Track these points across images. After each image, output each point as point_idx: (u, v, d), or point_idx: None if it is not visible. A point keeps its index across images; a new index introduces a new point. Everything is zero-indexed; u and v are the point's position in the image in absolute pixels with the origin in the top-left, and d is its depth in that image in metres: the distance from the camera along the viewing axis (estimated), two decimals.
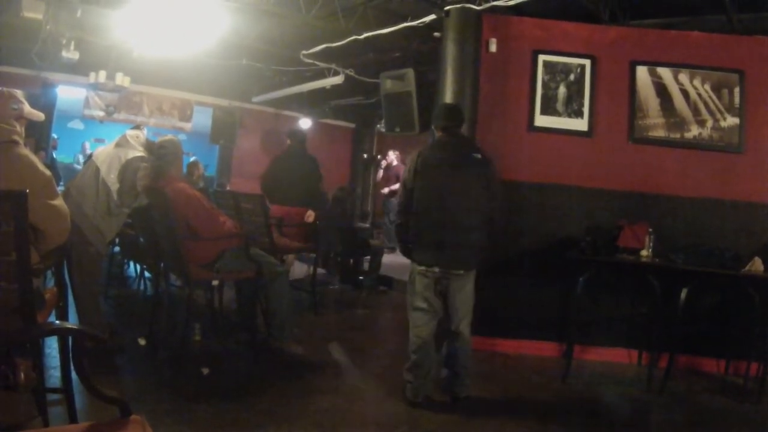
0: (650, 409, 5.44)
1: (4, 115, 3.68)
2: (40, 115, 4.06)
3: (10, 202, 2.88)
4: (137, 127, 6.23)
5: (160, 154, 5.69)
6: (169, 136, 6.01)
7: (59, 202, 3.67)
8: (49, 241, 3.60)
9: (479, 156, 5.00)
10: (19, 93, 3.90)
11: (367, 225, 13.20)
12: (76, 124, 18.60)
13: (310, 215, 8.12)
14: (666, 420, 5.21)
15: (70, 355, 2.95)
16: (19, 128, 3.73)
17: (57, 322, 3.37)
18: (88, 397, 3.49)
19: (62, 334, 3.33)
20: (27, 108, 3.89)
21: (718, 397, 5.84)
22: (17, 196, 2.88)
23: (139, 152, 5.73)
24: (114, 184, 5.57)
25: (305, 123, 16.17)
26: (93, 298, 5.67)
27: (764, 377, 5.76)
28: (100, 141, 17.97)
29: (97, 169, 5.63)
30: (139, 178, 5.57)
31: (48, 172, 3.67)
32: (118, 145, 5.84)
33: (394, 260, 11.33)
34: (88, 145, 18.29)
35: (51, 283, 4.78)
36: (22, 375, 3.19)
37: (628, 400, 5.61)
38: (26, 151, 3.65)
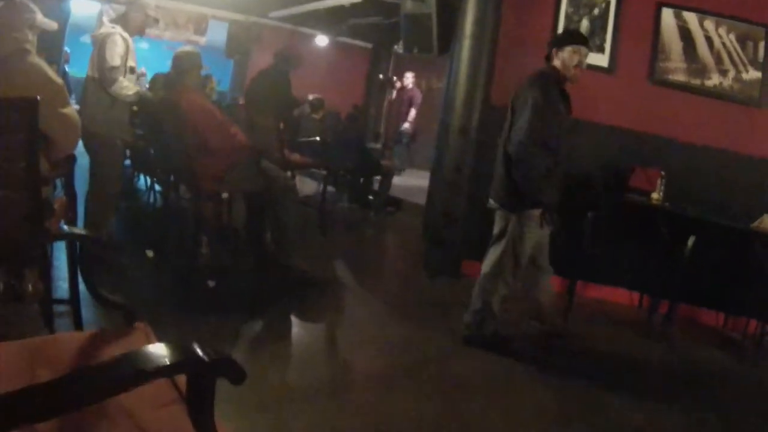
0: (647, 358, 5.41)
1: (17, 24, 3.66)
2: (52, 24, 4.03)
3: (22, 109, 2.86)
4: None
5: (176, 65, 5.66)
6: (187, 48, 5.99)
7: (70, 110, 3.65)
8: (59, 150, 3.60)
9: None
10: (30, 2, 3.86)
11: (379, 146, 13.14)
12: (88, 39, 18.41)
13: None
14: (663, 373, 5.17)
15: (77, 261, 2.95)
16: (32, 37, 3.71)
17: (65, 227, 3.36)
18: (95, 308, 3.50)
19: (69, 238, 3.32)
20: (40, 17, 3.86)
21: (716, 352, 5.86)
22: (28, 104, 2.86)
23: (108, 29, 5.70)
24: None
25: (322, 41, 16.00)
26: (107, 202, 5.72)
27: (762, 336, 5.79)
28: None
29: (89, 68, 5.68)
30: (108, 54, 5.53)
31: (60, 81, 3.66)
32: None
33: (403, 182, 11.34)
34: None
35: (60, 193, 4.80)
36: (30, 286, 3.22)
37: (627, 344, 5.62)
38: (38, 60, 3.64)
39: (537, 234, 4.66)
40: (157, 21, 6.37)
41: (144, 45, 15.45)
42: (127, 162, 8.38)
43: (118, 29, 5.68)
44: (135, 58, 5.81)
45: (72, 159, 4.30)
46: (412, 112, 13.32)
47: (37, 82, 3.45)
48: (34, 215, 3.03)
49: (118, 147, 5.79)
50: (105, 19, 5.98)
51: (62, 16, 13.39)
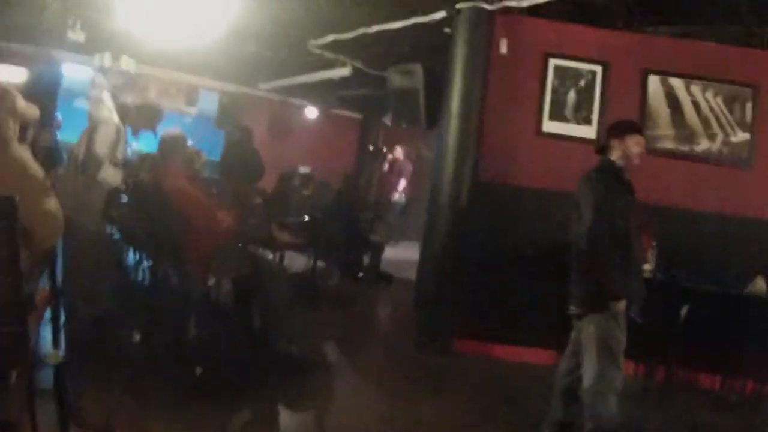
0: (649, 425, 5.38)
1: None
2: (35, 111, 3.98)
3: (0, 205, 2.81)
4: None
5: (161, 147, 5.65)
6: (172, 130, 5.94)
7: (52, 204, 3.59)
8: (41, 243, 3.52)
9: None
10: (12, 88, 3.81)
11: (370, 215, 13.13)
12: (82, 103, 18.45)
13: None
14: None
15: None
16: (12, 125, 3.64)
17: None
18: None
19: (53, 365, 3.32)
20: (21, 103, 3.79)
21: (715, 416, 5.79)
22: (6, 201, 2.81)
23: (103, 114, 5.67)
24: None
25: (311, 112, 16.08)
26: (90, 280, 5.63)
27: (759, 397, 5.74)
28: None
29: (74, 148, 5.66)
30: (98, 144, 5.49)
31: (41, 173, 3.60)
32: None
33: (395, 255, 11.31)
34: None
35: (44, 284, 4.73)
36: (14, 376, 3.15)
37: (626, 415, 5.51)
38: (20, 151, 3.57)
39: (623, 328, 4.45)
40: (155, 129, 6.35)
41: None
42: (117, 236, 8.33)
43: (115, 116, 5.66)
44: (125, 150, 5.79)
45: (54, 252, 4.23)
46: (402, 182, 13.36)
47: (17, 176, 3.39)
48: (13, 312, 2.96)
49: (82, 233, 5.69)
50: (106, 96, 5.95)
51: (54, 82, 13.49)
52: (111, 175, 5.53)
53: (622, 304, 4.32)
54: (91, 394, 3.72)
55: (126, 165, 5.96)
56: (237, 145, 8.72)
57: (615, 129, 4.74)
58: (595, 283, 4.38)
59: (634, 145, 4.57)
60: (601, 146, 4.76)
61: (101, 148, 5.47)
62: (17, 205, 2.79)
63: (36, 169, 3.56)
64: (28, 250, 3.37)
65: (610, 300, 4.32)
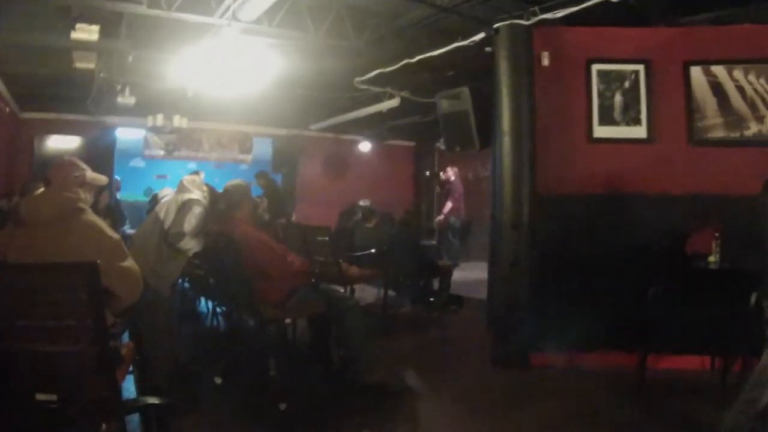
0: None
1: (68, 183, 3.79)
2: (102, 179, 4.16)
3: (82, 270, 2.97)
4: (195, 172, 6.34)
5: (226, 198, 5.80)
6: (236, 181, 6.10)
7: (130, 263, 3.75)
8: (123, 302, 3.68)
9: None
10: (80, 161, 4.02)
11: (434, 242, 13.18)
12: (138, 162, 18.89)
13: None
14: None
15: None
16: (83, 195, 3.83)
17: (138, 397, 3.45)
18: None
19: (142, 410, 3.45)
20: (89, 174, 4.00)
21: None
22: (88, 266, 2.96)
23: (195, 195, 5.83)
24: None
25: (365, 146, 16.23)
26: (164, 342, 5.75)
27: None
28: (162, 177, 18.31)
29: (157, 216, 5.77)
30: (187, 220, 5.65)
31: (116, 236, 3.76)
32: (178, 191, 5.97)
33: (463, 276, 11.33)
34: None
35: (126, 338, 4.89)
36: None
37: (705, 412, 5.44)
38: (93, 217, 3.74)
39: None
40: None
41: (192, 166, 15.84)
42: (187, 285, 8.51)
43: (204, 202, 5.81)
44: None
45: (135, 306, 4.39)
46: (448, 205, 13.39)
47: (94, 240, 3.55)
48: (104, 367, 3.11)
49: (166, 295, 5.85)
50: (200, 178, 6.15)
51: (109, 144, 13.91)
52: (191, 243, 5.68)
53: None
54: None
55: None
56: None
57: None
58: None
59: None
60: None
61: (189, 227, 5.61)
62: (99, 270, 2.95)
63: (111, 232, 3.72)
64: (110, 308, 3.53)
65: None
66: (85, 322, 3.00)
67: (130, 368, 4.09)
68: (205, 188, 6.01)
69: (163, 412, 2.89)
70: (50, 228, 3.49)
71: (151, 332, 5.51)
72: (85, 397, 3.10)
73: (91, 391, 3.10)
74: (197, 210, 5.69)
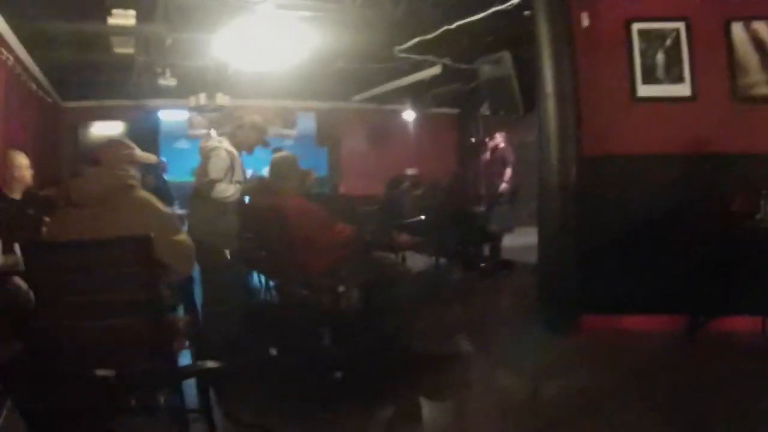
0: None
1: (118, 162, 3.87)
2: (151, 157, 4.27)
3: (136, 244, 3.04)
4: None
5: (274, 171, 5.88)
6: (283, 153, 6.20)
7: (183, 237, 3.83)
8: (177, 275, 3.76)
9: None
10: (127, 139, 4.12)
11: (482, 208, 13.15)
12: (182, 144, 18.99)
13: None
14: None
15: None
16: (133, 172, 3.91)
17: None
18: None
19: (199, 375, 3.52)
20: (138, 152, 4.10)
21: None
22: (142, 239, 3.03)
23: (214, 143, 5.98)
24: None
25: (408, 115, 16.19)
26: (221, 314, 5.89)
27: None
28: None
29: None
30: (211, 168, 5.88)
31: (168, 210, 3.84)
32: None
33: (513, 242, 11.32)
34: None
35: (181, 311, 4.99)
36: (162, 402, 3.40)
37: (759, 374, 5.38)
38: (144, 193, 3.83)
39: None
40: (266, 143, 6.68)
41: None
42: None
43: (225, 144, 5.96)
44: (243, 173, 6.07)
45: (190, 280, 4.48)
46: (508, 172, 13.30)
47: (147, 215, 3.63)
48: (160, 340, 3.19)
49: (226, 256, 6.00)
50: (213, 132, 6.31)
51: (153, 127, 14.05)
52: (224, 190, 5.82)
53: None
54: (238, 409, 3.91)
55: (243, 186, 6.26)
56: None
57: None
58: None
59: None
60: None
61: (215, 173, 5.77)
62: (153, 242, 3.02)
63: (162, 206, 3.80)
64: (165, 281, 3.61)
65: None
66: (141, 296, 3.08)
67: (186, 343, 4.17)
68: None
69: (219, 378, 2.93)
70: (102, 206, 3.57)
71: (211, 300, 5.66)
72: (142, 371, 3.18)
73: (148, 364, 3.19)
74: (219, 154, 5.83)
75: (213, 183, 5.83)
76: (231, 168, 5.95)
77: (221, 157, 5.89)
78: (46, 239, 3.84)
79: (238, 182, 6.08)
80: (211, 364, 3.27)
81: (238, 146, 6.23)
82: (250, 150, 6.33)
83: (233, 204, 6.09)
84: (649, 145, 6.54)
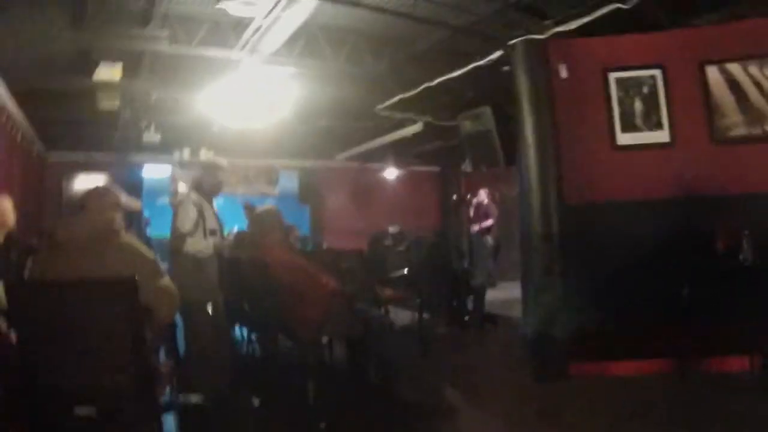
0: None
1: (103, 207, 3.89)
2: (136, 204, 4.30)
3: (121, 286, 3.04)
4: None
5: (257, 224, 5.89)
6: (267, 206, 6.23)
7: (166, 281, 3.83)
8: (161, 320, 3.75)
9: None
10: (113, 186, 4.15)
11: (466, 265, 13.19)
12: (165, 200, 18.95)
13: None
14: None
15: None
16: (118, 218, 3.93)
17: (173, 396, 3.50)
18: None
19: (183, 408, 3.49)
20: (124, 198, 4.12)
21: None
22: (127, 281, 3.04)
23: (182, 197, 6.00)
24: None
25: (390, 173, 16.30)
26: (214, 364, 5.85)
27: None
28: None
29: None
30: (179, 222, 5.87)
31: (152, 255, 3.85)
32: None
33: (496, 296, 11.32)
34: None
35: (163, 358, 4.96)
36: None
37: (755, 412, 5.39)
38: (129, 238, 3.85)
39: None
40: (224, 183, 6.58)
41: (220, 201, 15.91)
42: None
43: (192, 195, 5.96)
44: (216, 221, 6.05)
45: (173, 325, 4.47)
46: (489, 223, 13.40)
47: (131, 260, 3.64)
48: (143, 381, 3.17)
49: (208, 310, 5.97)
50: (181, 185, 6.31)
51: (137, 182, 14.08)
52: (196, 244, 5.78)
53: None
54: None
55: (222, 238, 6.23)
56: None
57: None
58: None
59: None
60: None
61: (183, 225, 5.76)
62: (137, 284, 3.03)
63: (146, 251, 3.81)
64: (149, 326, 3.61)
65: None
66: (125, 338, 3.08)
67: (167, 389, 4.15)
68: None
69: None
70: (87, 250, 3.58)
71: (196, 348, 5.61)
72: (123, 412, 3.16)
73: (130, 406, 3.17)
74: (185, 207, 5.82)
75: (183, 237, 5.81)
76: (201, 218, 5.91)
77: (188, 210, 5.88)
78: (31, 280, 3.84)
79: (213, 232, 6.05)
80: (194, 398, 3.25)
81: (206, 193, 6.21)
82: (216, 192, 6.29)
83: (210, 257, 6.05)
84: (630, 192, 6.59)
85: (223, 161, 6.48)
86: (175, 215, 5.95)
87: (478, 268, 12.16)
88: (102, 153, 13.69)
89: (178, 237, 5.81)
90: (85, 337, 3.06)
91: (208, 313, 5.96)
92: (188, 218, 5.86)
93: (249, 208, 10.84)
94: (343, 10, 7.20)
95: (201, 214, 5.95)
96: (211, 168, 6.21)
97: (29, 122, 10.07)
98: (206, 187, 6.20)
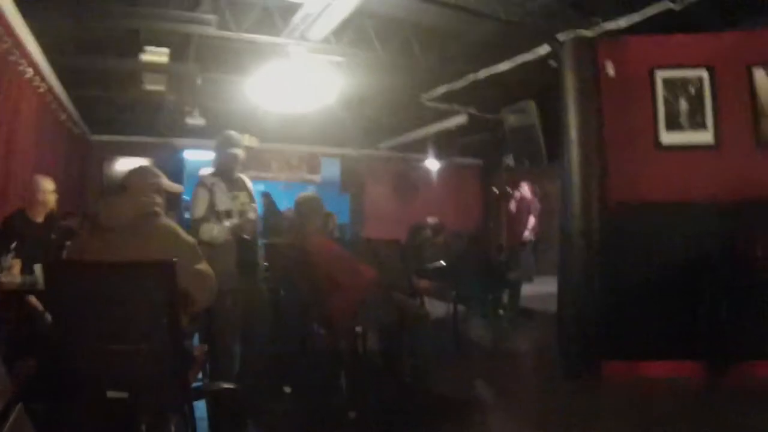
0: None
1: (145, 189, 3.90)
2: (178, 187, 4.29)
3: (160, 269, 3.06)
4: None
5: (298, 210, 5.89)
6: (308, 193, 6.21)
7: (204, 266, 3.83)
8: (197, 304, 3.76)
9: None
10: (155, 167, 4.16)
11: (503, 258, 13.13)
12: None
13: None
14: None
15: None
16: (159, 200, 3.94)
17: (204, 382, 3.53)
18: None
19: (211, 396, 3.52)
20: (165, 180, 4.13)
21: None
22: (166, 265, 3.06)
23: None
24: None
25: (433, 164, 16.24)
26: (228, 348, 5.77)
27: None
28: None
29: None
30: (192, 209, 5.73)
31: (191, 238, 3.87)
32: None
33: (533, 291, 11.27)
34: None
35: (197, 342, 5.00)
36: (172, 428, 3.38)
37: None
38: (168, 221, 3.86)
39: None
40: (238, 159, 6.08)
41: (261, 187, 15.93)
42: None
43: (206, 177, 5.74)
44: (229, 199, 5.74)
45: (208, 310, 4.49)
46: (531, 220, 13.31)
47: (170, 243, 3.65)
48: (177, 367, 3.20)
49: (225, 297, 5.68)
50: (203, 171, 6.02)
51: (178, 165, 14.15)
52: (209, 231, 5.47)
53: None
54: None
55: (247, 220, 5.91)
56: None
57: None
58: None
59: None
60: None
61: (193, 213, 5.55)
62: (176, 268, 3.04)
63: (186, 235, 3.83)
64: (185, 309, 3.63)
65: None
66: (161, 321, 3.10)
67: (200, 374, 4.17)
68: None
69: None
70: (127, 231, 3.60)
71: (222, 336, 5.59)
72: (155, 396, 3.19)
73: (162, 390, 3.19)
74: (196, 192, 5.61)
75: (196, 224, 5.59)
76: (211, 199, 5.65)
77: (198, 193, 5.63)
78: (69, 260, 3.87)
79: (228, 213, 5.72)
80: (225, 385, 3.27)
81: (221, 171, 5.89)
82: (229, 168, 5.82)
83: (225, 243, 5.66)
84: (672, 193, 6.55)
85: (243, 138, 6.12)
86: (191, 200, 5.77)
87: (515, 262, 12.12)
88: (144, 136, 13.77)
89: (192, 224, 5.57)
90: (120, 320, 3.08)
91: (223, 299, 5.82)
92: (199, 203, 5.64)
93: (267, 197, 10.90)
94: (394, 0, 7.18)
95: (211, 195, 5.69)
96: (224, 142, 5.96)
97: (74, 104, 10.15)
98: (220, 165, 5.90)
